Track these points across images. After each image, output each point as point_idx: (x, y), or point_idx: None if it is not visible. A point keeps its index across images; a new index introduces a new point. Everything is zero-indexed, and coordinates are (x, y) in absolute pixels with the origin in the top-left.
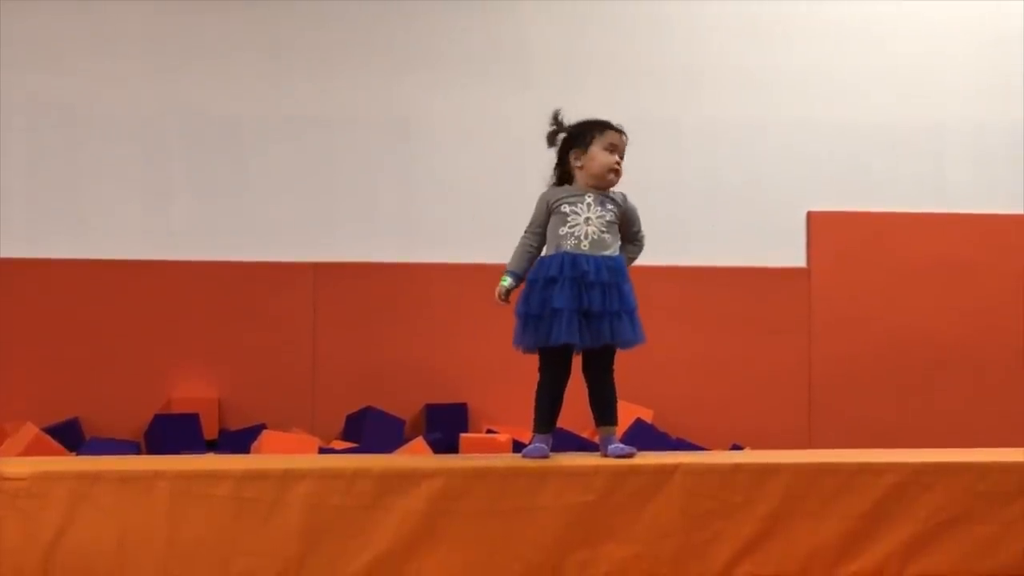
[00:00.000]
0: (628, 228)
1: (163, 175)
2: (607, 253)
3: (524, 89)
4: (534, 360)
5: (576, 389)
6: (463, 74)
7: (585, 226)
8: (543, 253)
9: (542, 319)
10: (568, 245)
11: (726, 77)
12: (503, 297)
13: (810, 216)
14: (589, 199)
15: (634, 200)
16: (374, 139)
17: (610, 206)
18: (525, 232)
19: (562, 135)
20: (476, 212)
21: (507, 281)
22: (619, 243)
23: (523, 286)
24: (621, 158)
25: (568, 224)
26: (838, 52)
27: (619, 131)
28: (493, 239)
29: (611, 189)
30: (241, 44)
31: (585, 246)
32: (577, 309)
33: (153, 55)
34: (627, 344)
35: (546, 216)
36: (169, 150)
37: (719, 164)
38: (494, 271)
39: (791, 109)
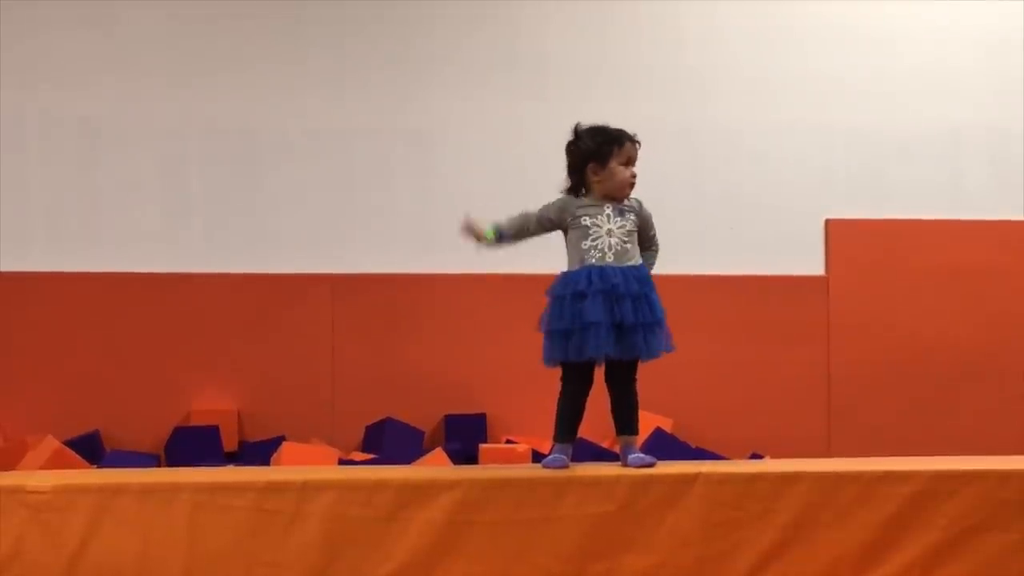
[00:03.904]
0: (645, 233)
1: (181, 188)
2: (631, 263)
3: (540, 98)
4: (553, 370)
5: (595, 397)
6: (479, 83)
7: (608, 238)
8: (567, 268)
9: (572, 333)
10: (593, 259)
11: (741, 83)
12: (474, 234)
13: (828, 224)
14: (608, 210)
15: (650, 208)
16: (390, 149)
17: (629, 215)
18: (532, 212)
19: (581, 146)
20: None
21: (490, 233)
22: (638, 252)
23: (547, 303)
24: (633, 165)
25: (590, 237)
26: (854, 57)
27: (634, 141)
28: (511, 248)
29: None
30: (257, 57)
31: (610, 258)
32: (611, 322)
33: (169, 68)
34: (659, 355)
35: (558, 217)
36: (187, 163)
37: (735, 172)
38: (512, 281)
39: (808, 115)
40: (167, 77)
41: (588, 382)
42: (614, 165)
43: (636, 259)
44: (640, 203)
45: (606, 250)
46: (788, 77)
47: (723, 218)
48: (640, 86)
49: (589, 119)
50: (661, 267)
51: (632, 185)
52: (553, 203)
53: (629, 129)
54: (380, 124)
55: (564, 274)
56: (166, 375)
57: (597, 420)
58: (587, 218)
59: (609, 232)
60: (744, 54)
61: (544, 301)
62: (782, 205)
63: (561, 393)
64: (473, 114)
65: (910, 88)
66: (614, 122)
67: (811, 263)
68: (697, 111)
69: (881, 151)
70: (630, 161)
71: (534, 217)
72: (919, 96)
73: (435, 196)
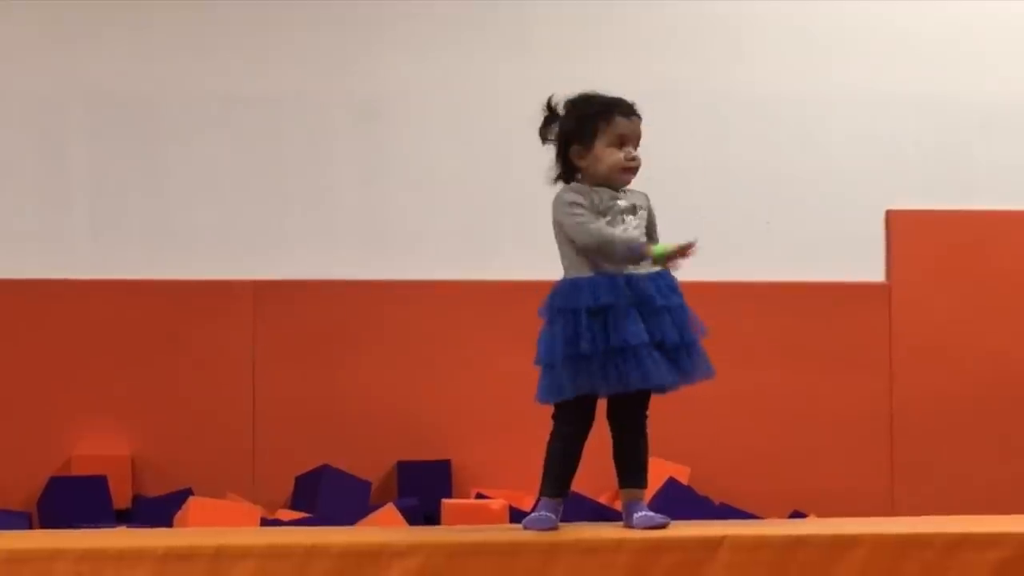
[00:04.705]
0: (650, 234)
1: (61, 172)
2: (654, 269)
3: (521, 58)
4: (533, 407)
5: (591, 440)
6: (442, 41)
7: None
8: (565, 275)
9: (599, 359)
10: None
11: (782, 38)
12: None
13: (890, 216)
14: (621, 205)
15: (662, 197)
16: (330, 124)
17: (641, 211)
18: (587, 218)
19: (557, 126)
20: (461, 215)
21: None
22: None
23: (545, 323)
24: (636, 146)
25: None
26: (927, 6)
27: (629, 115)
28: (483, 249)
29: (630, 187)
30: (158, 5)
31: (631, 264)
32: (650, 342)
33: (49, 22)
34: (692, 381)
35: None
36: (68, 140)
37: (773, 151)
38: (484, 290)
39: (866, 80)
40: (44, 33)
41: (589, 421)
42: (600, 147)
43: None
44: (647, 196)
45: None
46: (841, 31)
47: (756, 210)
48: (652, 42)
49: (586, 83)
50: (676, 273)
51: (630, 170)
52: (580, 205)
53: (636, 97)
54: (315, 91)
55: (570, 283)
56: (40, 411)
57: (593, 469)
58: (600, 214)
59: (626, 232)
60: (785, 2)
61: (527, 315)
62: (832, 193)
63: (553, 435)
64: (435, 79)
65: (998, 47)
66: (618, 89)
67: (868, 267)
68: (725, 74)
69: (960, 125)
70: (623, 140)
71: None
72: (1010, 56)
73: (386, 182)
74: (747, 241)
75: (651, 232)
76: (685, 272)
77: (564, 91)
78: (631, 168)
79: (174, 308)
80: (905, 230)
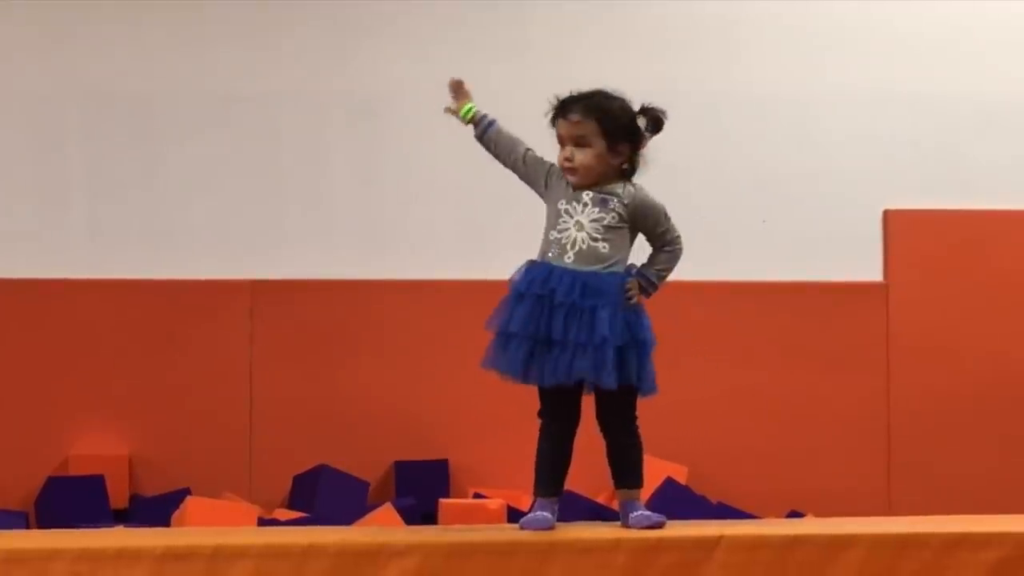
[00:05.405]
0: (650, 229)
1: (57, 171)
2: (596, 268)
3: (518, 57)
4: (531, 407)
5: (590, 440)
6: (443, 38)
7: (575, 232)
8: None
9: (496, 339)
10: (551, 253)
11: (778, 38)
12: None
13: (887, 216)
14: (587, 198)
15: (660, 196)
16: (327, 122)
17: (612, 205)
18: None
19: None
20: (459, 214)
21: (467, 112)
22: (624, 254)
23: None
24: (580, 144)
25: (558, 228)
26: (924, 8)
27: (565, 115)
28: (481, 249)
29: (617, 182)
30: (155, 5)
31: (569, 257)
32: (534, 335)
33: (46, 21)
34: (595, 385)
35: (534, 175)
36: (64, 139)
37: (770, 150)
38: (483, 289)
39: (863, 78)
40: (38, 31)
41: (571, 417)
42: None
43: (609, 264)
44: (636, 190)
45: (568, 247)
46: (838, 30)
47: (753, 209)
48: (651, 42)
49: (582, 86)
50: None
51: (566, 170)
52: (541, 159)
53: (635, 97)
54: (313, 89)
55: (527, 263)
56: (37, 411)
57: (590, 468)
58: (564, 201)
59: (579, 225)
60: (783, 1)
61: None
62: (829, 192)
63: (541, 434)
64: (435, 75)
65: (997, 45)
66: (620, 88)
67: (866, 266)
68: (723, 74)
69: (957, 124)
70: (560, 141)
71: (523, 151)
72: (1008, 56)
73: (384, 182)
74: (744, 240)
75: (644, 224)
76: (684, 271)
77: (563, 91)
78: (566, 168)
79: (171, 308)
80: (902, 230)
